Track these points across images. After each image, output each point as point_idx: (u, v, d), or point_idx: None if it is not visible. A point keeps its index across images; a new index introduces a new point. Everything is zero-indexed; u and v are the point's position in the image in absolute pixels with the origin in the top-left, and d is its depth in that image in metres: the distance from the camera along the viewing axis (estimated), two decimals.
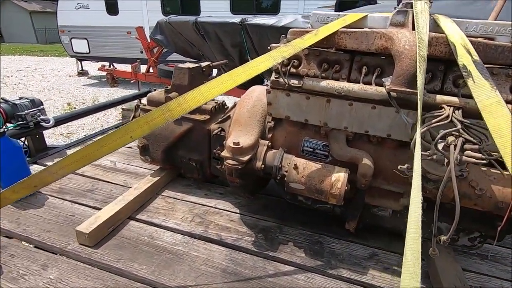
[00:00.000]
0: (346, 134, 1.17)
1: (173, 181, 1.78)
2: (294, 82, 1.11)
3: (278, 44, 1.11)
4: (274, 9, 7.67)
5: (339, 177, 1.10)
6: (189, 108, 0.96)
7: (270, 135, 1.32)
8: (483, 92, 0.80)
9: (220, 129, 1.45)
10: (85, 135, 4.34)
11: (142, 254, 1.22)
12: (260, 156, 1.24)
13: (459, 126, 0.85)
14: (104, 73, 8.62)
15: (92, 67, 10.59)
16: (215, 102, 1.60)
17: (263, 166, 1.23)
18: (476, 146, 0.83)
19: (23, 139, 1.99)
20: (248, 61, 1.00)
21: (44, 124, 1.96)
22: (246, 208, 1.56)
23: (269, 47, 1.11)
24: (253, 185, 1.44)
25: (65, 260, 1.19)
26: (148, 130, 0.95)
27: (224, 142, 1.34)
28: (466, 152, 0.84)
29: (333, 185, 1.10)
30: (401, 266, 1.24)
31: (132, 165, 1.97)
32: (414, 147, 0.87)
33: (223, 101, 1.67)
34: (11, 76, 10.47)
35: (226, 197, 1.65)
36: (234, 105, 1.49)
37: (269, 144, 1.28)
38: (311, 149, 1.28)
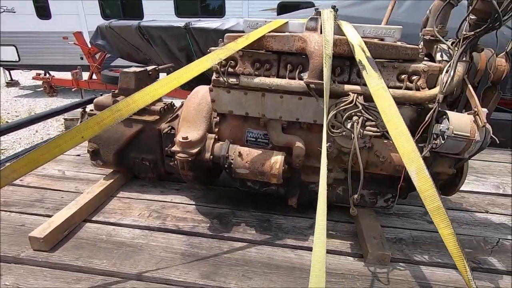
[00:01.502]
0: (281, 123, 1.36)
1: (127, 183, 1.82)
2: (232, 80, 1.27)
3: (216, 48, 1.26)
4: (219, 11, 7.81)
5: (276, 160, 1.29)
6: (137, 108, 1.06)
7: (216, 129, 1.46)
8: (373, 80, 1.04)
9: (170, 127, 1.55)
10: (23, 149, 4.02)
11: (101, 251, 1.28)
12: (208, 148, 1.38)
13: (360, 107, 1.09)
14: (40, 82, 7.91)
15: (24, 76, 9.65)
16: (164, 103, 1.69)
17: (211, 156, 1.37)
18: (373, 123, 1.08)
19: None
20: None
21: None
22: (201, 200, 1.68)
23: (208, 50, 1.26)
24: (205, 177, 1.57)
25: (20, 266, 1.19)
26: (99, 130, 1.03)
27: (174, 138, 1.45)
28: (367, 128, 1.09)
29: (272, 166, 1.28)
30: (335, 230, 1.48)
31: (82, 172, 1.95)
32: (329, 128, 1.09)
33: (172, 102, 1.77)
34: None
35: (181, 192, 1.75)
36: (182, 105, 1.60)
37: (216, 137, 1.42)
38: (254, 139, 1.45)
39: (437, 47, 1.22)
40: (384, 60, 1.18)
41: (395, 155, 1.23)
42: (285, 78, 1.23)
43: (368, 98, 1.12)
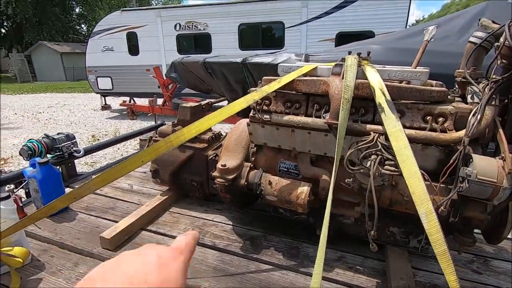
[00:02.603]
0: (310, 156, 1.47)
1: (179, 199, 2.10)
2: (266, 117, 1.45)
3: (255, 88, 1.47)
4: (279, 43, 8.31)
5: (303, 190, 1.40)
6: (185, 139, 1.31)
7: (253, 159, 1.64)
8: (391, 122, 1.10)
9: (215, 154, 1.80)
10: (107, 163, 4.80)
11: None
12: (244, 175, 1.56)
13: (379, 147, 1.15)
14: (125, 107, 9.41)
15: (115, 102, 11.51)
16: (212, 133, 1.96)
17: (246, 183, 1.54)
18: (392, 162, 1.12)
19: (58, 167, 2.40)
20: None
21: (76, 154, 2.39)
22: (238, 221, 1.85)
23: (248, 91, 1.47)
24: (242, 200, 1.75)
25: (91, 260, 1.51)
26: (155, 156, 1.30)
27: (216, 165, 1.68)
28: (385, 167, 1.14)
29: (298, 196, 1.39)
30: (363, 266, 1.49)
31: (145, 187, 2.32)
32: (347, 165, 1.17)
33: (219, 131, 2.03)
34: (43, 112, 11.51)
35: (222, 212, 1.95)
36: (226, 135, 1.84)
37: (252, 165, 1.60)
38: (286, 169, 1.59)
39: (469, 89, 1.21)
40: (408, 102, 1.23)
41: None
42: (312, 116, 1.36)
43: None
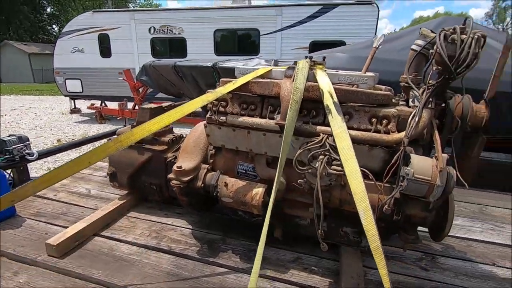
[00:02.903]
0: (266, 158, 1.48)
1: (139, 204, 2.03)
2: (222, 118, 1.45)
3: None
4: (254, 50, 8.41)
5: (258, 191, 1.40)
6: (135, 140, 1.28)
7: (211, 161, 1.62)
8: (336, 123, 1.14)
9: (174, 157, 1.76)
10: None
11: (100, 262, 1.45)
12: (201, 177, 1.54)
13: (327, 147, 1.18)
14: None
15: (85, 105, 11.05)
16: (173, 135, 1.93)
17: (202, 185, 1.52)
18: (339, 162, 1.15)
19: (9, 171, 2.25)
20: None
21: (28, 157, 2.25)
22: (198, 225, 1.81)
23: (218, 83, 1.47)
24: (200, 203, 1.72)
25: (34, 268, 1.41)
26: (104, 156, 1.25)
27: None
28: (332, 167, 1.17)
29: (253, 197, 1.39)
30: (319, 266, 1.51)
31: (105, 192, 2.23)
32: (296, 165, 1.19)
33: (181, 134, 2.00)
34: (5, 115, 10.82)
35: (183, 216, 1.91)
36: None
37: (209, 167, 1.58)
38: (244, 171, 1.58)
39: (411, 93, 1.28)
40: (356, 104, 1.28)
41: (369, 196, 1.26)
42: (266, 118, 1.37)
43: None
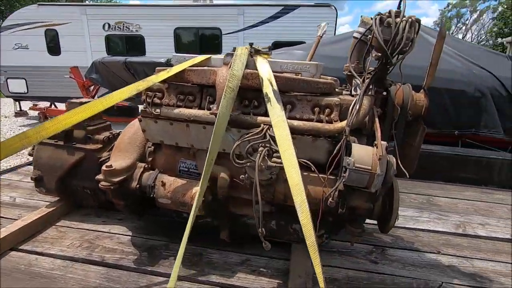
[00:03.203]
0: None
1: (73, 211, 1.81)
2: (157, 110, 1.30)
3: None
4: (216, 49, 8.25)
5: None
6: (48, 135, 1.09)
7: (150, 159, 1.47)
8: (275, 112, 1.06)
9: (108, 156, 1.57)
10: None
11: (14, 282, 1.23)
12: (136, 177, 1.38)
13: (268, 138, 1.09)
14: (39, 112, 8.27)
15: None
16: (110, 133, 1.73)
17: (138, 186, 1.36)
18: (279, 154, 1.07)
19: None
20: None
21: None
22: (139, 230, 1.64)
23: (154, 72, 1.32)
24: (138, 206, 1.55)
25: None
26: (4, 156, 1.05)
27: None
28: (273, 159, 1.08)
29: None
30: (268, 267, 1.41)
31: (33, 200, 1.96)
32: (233, 159, 1.09)
33: (119, 132, 1.81)
34: None
35: (123, 222, 1.72)
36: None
37: (147, 166, 1.43)
38: (186, 169, 1.45)
39: (353, 82, 1.25)
40: (298, 94, 1.21)
41: (312, 188, 1.20)
42: (205, 109, 1.26)
43: None
